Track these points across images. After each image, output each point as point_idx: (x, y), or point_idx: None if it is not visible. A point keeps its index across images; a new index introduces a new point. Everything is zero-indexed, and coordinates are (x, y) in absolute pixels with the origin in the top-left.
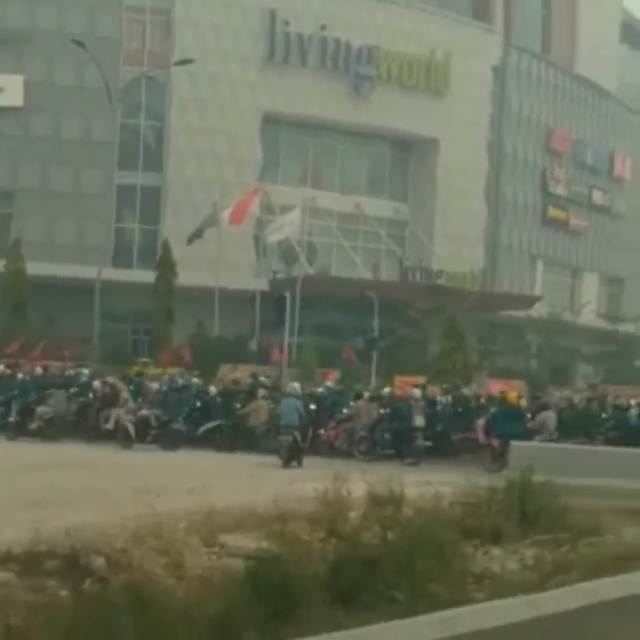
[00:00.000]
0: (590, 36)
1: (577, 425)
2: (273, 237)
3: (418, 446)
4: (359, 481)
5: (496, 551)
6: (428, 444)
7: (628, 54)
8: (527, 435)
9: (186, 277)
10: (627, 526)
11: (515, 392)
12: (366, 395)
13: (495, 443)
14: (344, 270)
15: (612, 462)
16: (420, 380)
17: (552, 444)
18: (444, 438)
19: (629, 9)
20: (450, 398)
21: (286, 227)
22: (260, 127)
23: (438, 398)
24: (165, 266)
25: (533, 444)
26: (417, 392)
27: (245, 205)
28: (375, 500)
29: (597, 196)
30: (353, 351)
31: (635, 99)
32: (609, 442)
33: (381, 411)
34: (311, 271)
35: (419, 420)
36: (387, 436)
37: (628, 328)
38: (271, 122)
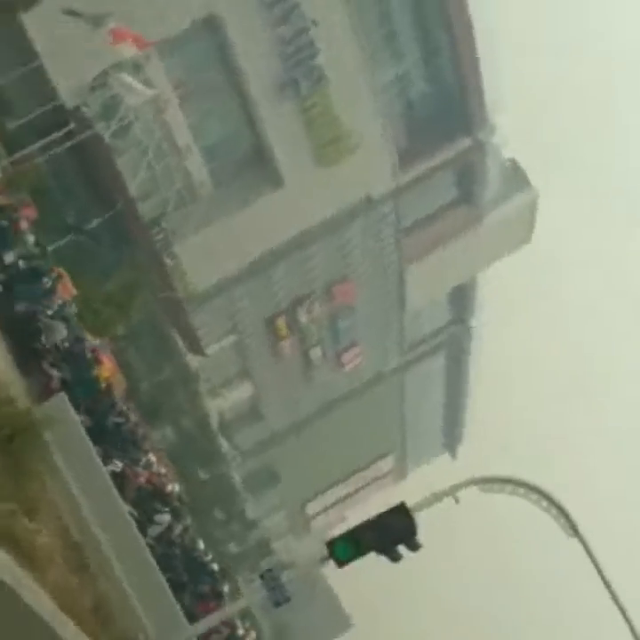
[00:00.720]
0: None
1: None
2: (117, 80)
3: None
4: None
5: None
6: None
7: None
8: None
9: None
10: None
11: None
12: None
13: None
14: (126, 171)
15: None
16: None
17: None
18: None
19: None
20: None
21: (135, 90)
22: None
23: None
24: None
25: None
26: None
27: (130, 38)
28: None
29: (315, 354)
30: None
31: None
32: None
33: None
34: (106, 139)
35: None
36: None
37: None
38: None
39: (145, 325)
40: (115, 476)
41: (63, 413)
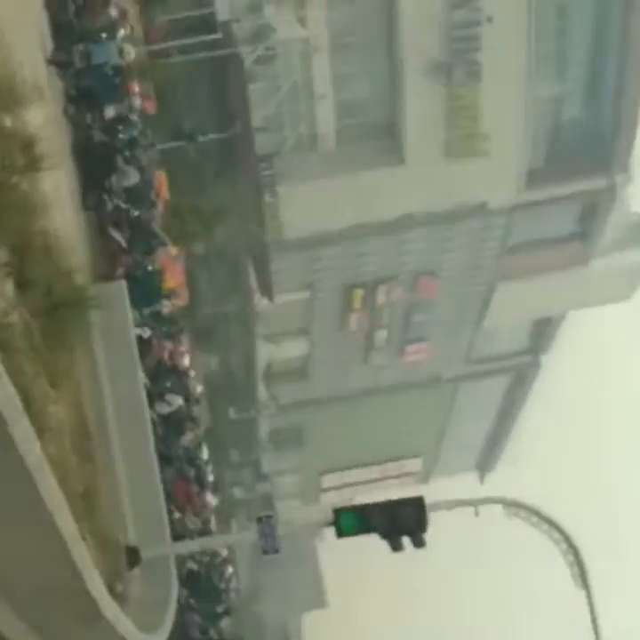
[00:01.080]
0: None
1: None
2: (276, 9)
3: None
4: None
5: None
6: None
7: None
8: None
9: None
10: None
11: None
12: None
13: None
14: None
15: None
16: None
17: None
18: None
19: None
20: None
21: (290, 25)
22: None
23: None
24: None
25: None
26: None
27: None
28: None
29: (380, 336)
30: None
31: None
32: None
33: None
34: (246, 63)
35: None
36: None
37: None
38: None
39: (224, 253)
40: (140, 341)
41: (118, 301)
